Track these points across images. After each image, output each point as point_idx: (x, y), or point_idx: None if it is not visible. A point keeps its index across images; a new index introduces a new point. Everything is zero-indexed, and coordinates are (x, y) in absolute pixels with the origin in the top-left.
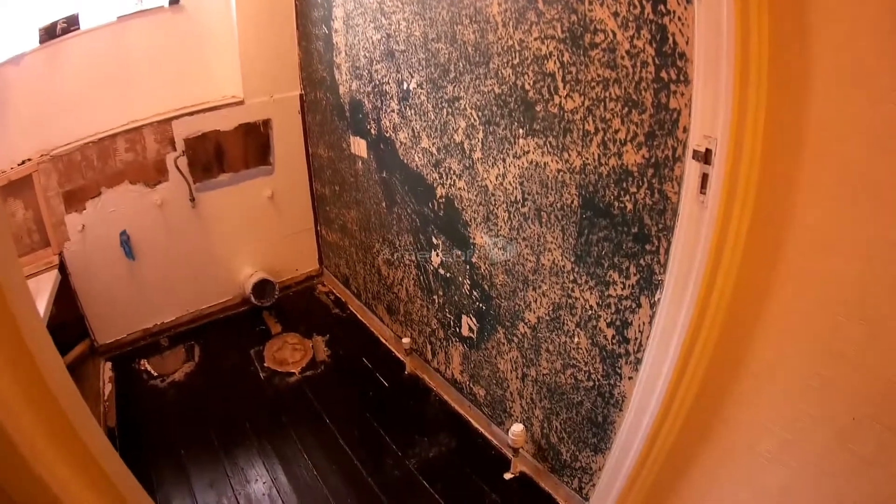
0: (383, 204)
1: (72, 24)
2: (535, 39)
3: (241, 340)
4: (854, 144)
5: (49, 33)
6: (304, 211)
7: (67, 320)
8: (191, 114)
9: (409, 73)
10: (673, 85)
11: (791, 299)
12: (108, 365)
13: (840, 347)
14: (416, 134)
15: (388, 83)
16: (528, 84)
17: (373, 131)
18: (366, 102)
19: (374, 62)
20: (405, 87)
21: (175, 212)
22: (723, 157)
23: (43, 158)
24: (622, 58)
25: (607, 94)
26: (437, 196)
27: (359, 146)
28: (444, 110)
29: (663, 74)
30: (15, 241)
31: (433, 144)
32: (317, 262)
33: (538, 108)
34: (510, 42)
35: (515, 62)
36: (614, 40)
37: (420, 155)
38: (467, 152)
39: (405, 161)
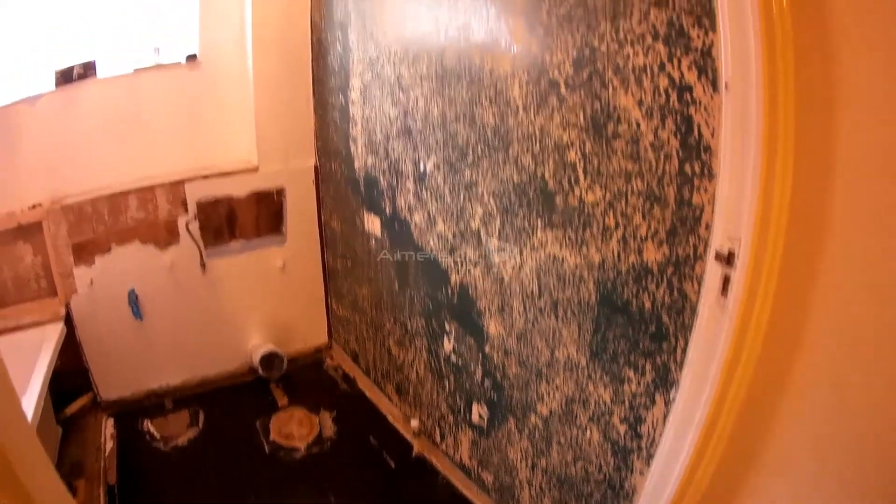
0: (396, 284)
1: (88, 70)
2: (557, 126)
3: (247, 410)
4: (878, 240)
5: (65, 77)
6: (315, 283)
7: (72, 369)
8: (204, 177)
9: (426, 153)
10: (697, 179)
11: (807, 399)
12: (111, 421)
13: (856, 446)
14: (432, 217)
15: (405, 162)
16: (549, 174)
17: (388, 210)
18: (381, 179)
19: (391, 138)
20: (422, 168)
21: (185, 275)
22: (746, 259)
23: (54, 206)
24: (646, 150)
25: (629, 187)
26: (452, 282)
27: (373, 223)
28: (461, 195)
29: (687, 168)
30: (22, 286)
31: (449, 229)
32: (326, 335)
33: (558, 199)
34: (531, 128)
35: (536, 150)
36: (638, 131)
37: (435, 239)
38: (483, 240)
39: (420, 244)
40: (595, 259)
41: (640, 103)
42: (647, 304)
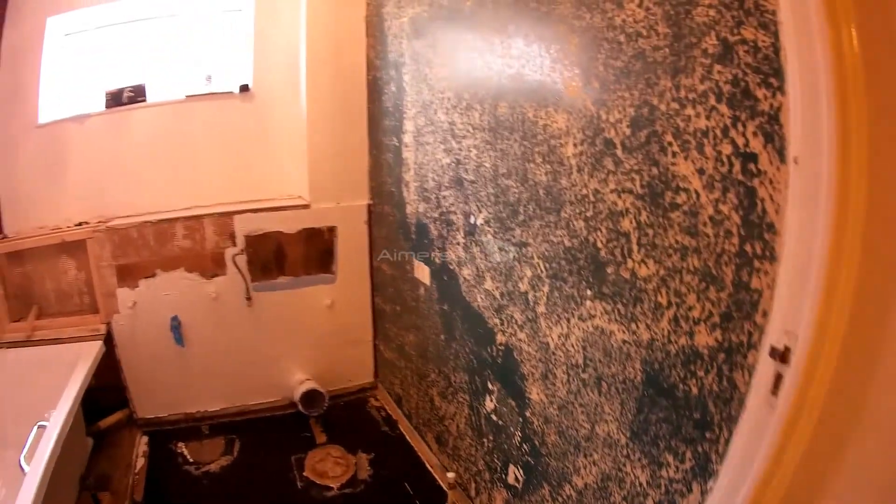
0: (442, 336)
1: (139, 94)
2: (612, 192)
3: (283, 444)
4: None
5: (115, 99)
6: (363, 323)
7: (111, 385)
8: (254, 211)
9: (478, 206)
10: (757, 261)
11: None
12: (145, 439)
13: None
14: (481, 273)
15: (456, 213)
16: (601, 242)
17: (437, 260)
18: (432, 228)
19: (443, 187)
20: (472, 222)
21: (230, 307)
22: (803, 359)
23: (98, 227)
24: (704, 224)
25: (685, 264)
26: (497, 342)
27: (422, 272)
28: (511, 254)
29: (748, 248)
30: (65, 299)
31: (497, 288)
32: (372, 375)
33: (609, 270)
34: (584, 191)
35: (588, 214)
36: (697, 202)
37: (483, 296)
38: (531, 304)
39: (468, 299)
40: (644, 337)
41: (701, 172)
42: (694, 390)
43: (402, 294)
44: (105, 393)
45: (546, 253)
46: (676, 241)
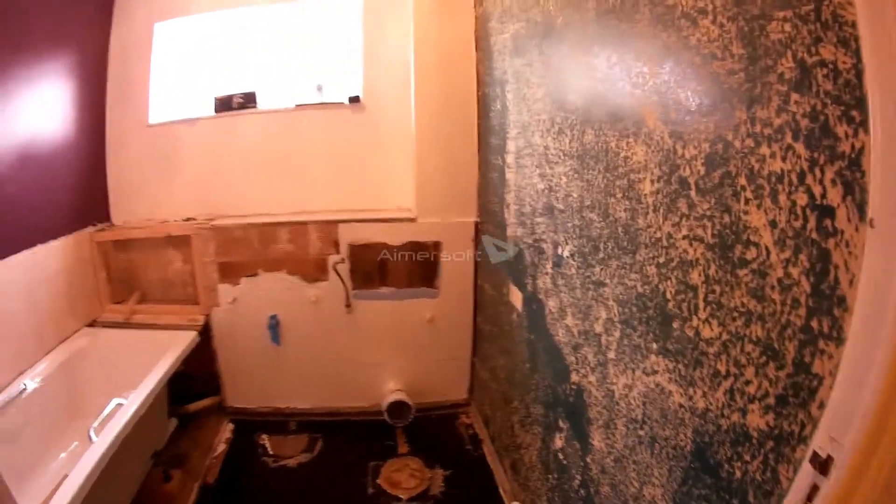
0: (527, 365)
1: (249, 101)
2: (683, 238)
3: (365, 449)
4: None
5: (224, 105)
6: (463, 340)
7: (205, 372)
8: (359, 221)
9: (565, 238)
10: (822, 341)
11: None
12: (230, 427)
13: None
14: (563, 307)
15: (546, 242)
16: (670, 293)
17: (529, 287)
18: (526, 254)
19: (537, 214)
20: (559, 253)
21: (329, 312)
22: (843, 475)
23: (203, 224)
24: (772, 288)
25: (748, 332)
26: (571, 381)
27: (516, 297)
28: (590, 293)
29: (814, 323)
30: (168, 288)
31: (576, 325)
32: (466, 392)
33: (675, 325)
34: (658, 234)
35: (661, 261)
36: (767, 261)
37: (563, 331)
38: (603, 347)
39: (551, 332)
40: (699, 405)
41: (773, 225)
42: (738, 474)
43: (499, 316)
44: (199, 380)
45: (620, 296)
46: (742, 304)
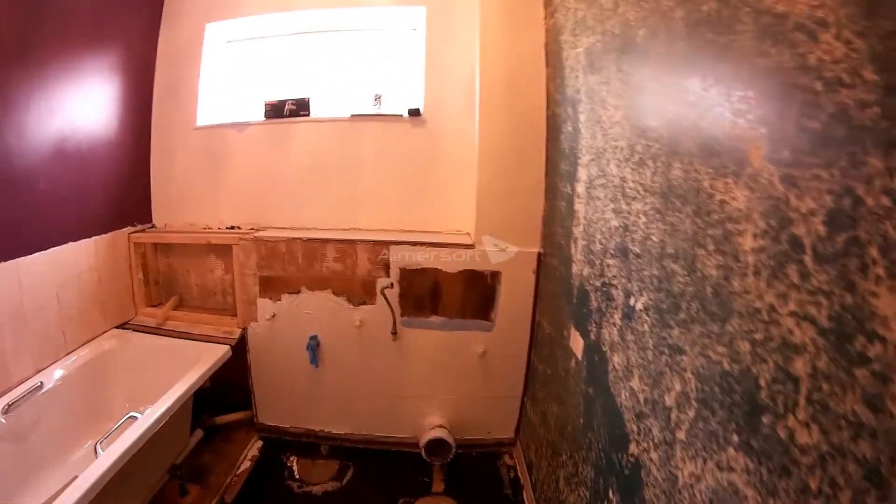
0: (581, 420)
1: (301, 108)
2: (790, 315)
3: (397, 483)
4: None
5: (276, 111)
6: (515, 378)
7: (239, 385)
8: (412, 244)
9: (639, 287)
10: None
11: None
12: (259, 444)
13: None
14: (630, 367)
15: (617, 288)
16: (765, 379)
17: (592, 335)
18: (592, 298)
19: (608, 254)
20: (631, 304)
21: (373, 337)
22: None
23: (246, 235)
24: (892, 399)
25: (854, 448)
26: (629, 451)
27: (576, 343)
28: (664, 358)
29: None
30: (207, 295)
31: (642, 391)
32: (513, 431)
33: (765, 419)
34: (758, 304)
35: (758, 338)
36: (892, 364)
37: (627, 394)
38: (672, 424)
39: (612, 391)
40: None
41: None
42: None
43: (556, 359)
44: (232, 392)
45: (701, 370)
46: (853, 412)
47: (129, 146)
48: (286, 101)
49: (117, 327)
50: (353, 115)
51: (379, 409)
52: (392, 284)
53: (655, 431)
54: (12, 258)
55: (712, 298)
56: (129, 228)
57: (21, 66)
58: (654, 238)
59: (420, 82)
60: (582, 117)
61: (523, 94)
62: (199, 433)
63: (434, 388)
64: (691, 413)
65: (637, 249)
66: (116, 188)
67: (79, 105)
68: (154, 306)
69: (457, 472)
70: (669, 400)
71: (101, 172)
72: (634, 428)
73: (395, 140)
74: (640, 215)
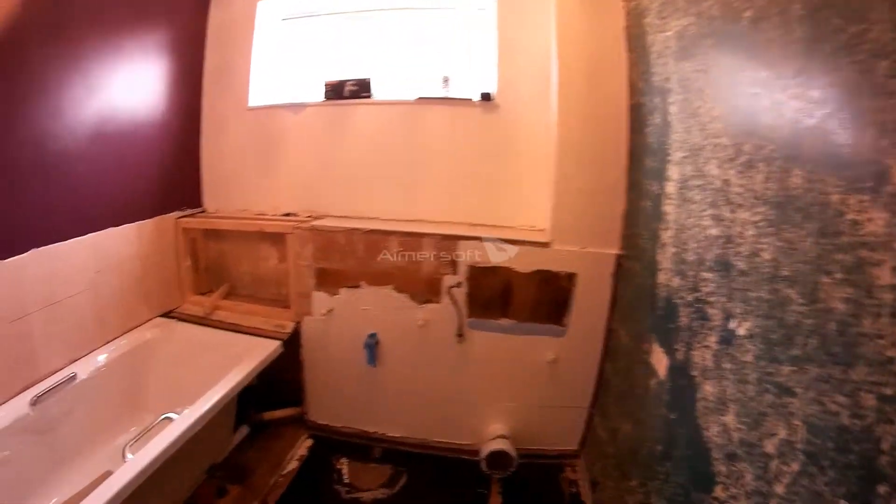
0: (658, 447)
1: (363, 89)
2: None
3: (452, 494)
4: None
5: (335, 91)
6: (584, 388)
7: (289, 380)
8: (482, 240)
9: (743, 310)
10: None
11: None
12: (308, 443)
13: None
14: (724, 399)
15: (714, 307)
16: (888, 442)
17: (679, 354)
18: (681, 313)
19: (703, 266)
20: (731, 328)
21: (437, 339)
22: None
23: (302, 223)
24: None
25: None
26: (714, 495)
27: (659, 360)
28: (768, 396)
29: None
30: (259, 285)
31: (737, 430)
32: (577, 443)
33: (881, 489)
34: (891, 352)
35: (887, 392)
36: None
37: (718, 429)
38: (770, 474)
39: (700, 423)
40: None
41: None
42: None
43: (633, 374)
44: (284, 384)
45: (812, 419)
46: None
47: (178, 128)
48: (346, 81)
49: (162, 316)
50: (419, 98)
51: (438, 414)
52: (460, 283)
53: (749, 479)
54: (44, 245)
55: (836, 337)
56: (177, 213)
57: (54, 44)
58: (765, 255)
59: (492, 65)
60: (673, 109)
61: (604, 81)
62: (244, 430)
63: (498, 394)
64: (795, 466)
65: (742, 266)
66: (163, 171)
67: (120, 85)
68: (203, 294)
69: (515, 487)
70: (770, 446)
71: (145, 155)
72: (723, 469)
73: (464, 126)
74: (748, 226)
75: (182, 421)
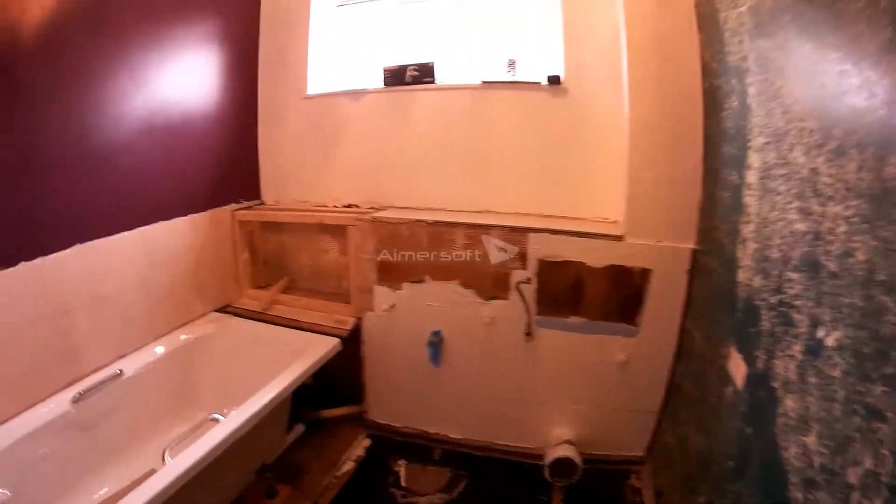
0: (730, 463)
1: (425, 74)
2: None
3: (513, 501)
4: None
5: (396, 77)
6: (654, 391)
7: (348, 377)
8: (553, 232)
9: (832, 317)
10: None
11: None
12: (366, 443)
13: None
14: (806, 418)
15: (800, 313)
16: None
17: (759, 363)
18: (763, 317)
19: (789, 266)
20: (819, 336)
21: (503, 337)
22: None
23: (364, 215)
24: None
25: None
26: None
27: (736, 367)
28: (855, 419)
29: None
30: (320, 278)
31: (818, 453)
32: (644, 449)
33: None
34: None
35: None
36: None
37: (798, 450)
38: None
39: (779, 441)
40: None
41: None
42: None
43: (707, 379)
44: (343, 381)
45: None
46: None
47: (233, 119)
48: (407, 66)
49: (217, 310)
50: (484, 82)
51: (501, 415)
52: (529, 279)
53: None
54: (88, 240)
55: None
56: (234, 205)
57: (98, 36)
58: (859, 255)
59: (558, 48)
60: (751, 90)
61: (675, 62)
62: (299, 428)
63: (565, 395)
64: (878, 503)
65: (833, 267)
66: (218, 163)
67: (170, 77)
68: (262, 288)
69: (577, 495)
70: (853, 476)
71: (198, 147)
72: (799, 496)
73: (531, 111)
74: (839, 222)
75: (225, 426)
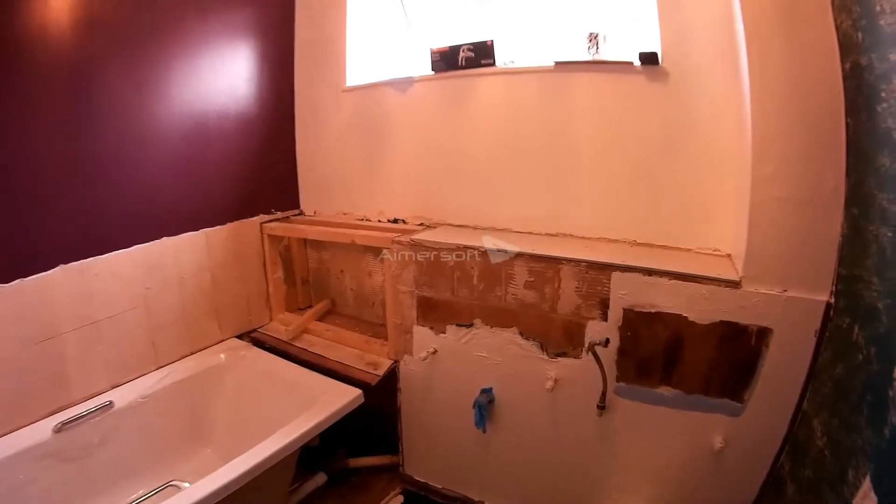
0: None
1: (482, 55)
2: None
3: None
4: None
5: (447, 61)
6: (749, 485)
7: (389, 423)
8: (647, 272)
9: None
10: None
11: None
12: (398, 500)
13: None
14: None
15: None
16: None
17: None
18: None
19: None
20: None
21: (569, 406)
22: None
23: (401, 238)
24: None
25: None
26: None
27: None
28: None
29: None
30: (363, 305)
31: None
32: None
33: None
34: None
35: None
36: None
37: None
38: None
39: None
40: None
41: None
42: None
43: (822, 495)
44: (379, 424)
45: None
46: None
47: (265, 120)
48: (460, 46)
49: (239, 336)
50: (557, 63)
51: (561, 494)
52: (607, 341)
53: None
54: (76, 260)
55: None
56: (262, 217)
57: (105, 40)
58: None
59: (653, 15)
60: None
61: (803, 37)
62: (321, 478)
63: (641, 481)
64: None
65: None
66: (248, 169)
67: (181, 78)
68: (300, 310)
69: None
70: None
71: (222, 153)
72: None
73: (620, 101)
74: None
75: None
